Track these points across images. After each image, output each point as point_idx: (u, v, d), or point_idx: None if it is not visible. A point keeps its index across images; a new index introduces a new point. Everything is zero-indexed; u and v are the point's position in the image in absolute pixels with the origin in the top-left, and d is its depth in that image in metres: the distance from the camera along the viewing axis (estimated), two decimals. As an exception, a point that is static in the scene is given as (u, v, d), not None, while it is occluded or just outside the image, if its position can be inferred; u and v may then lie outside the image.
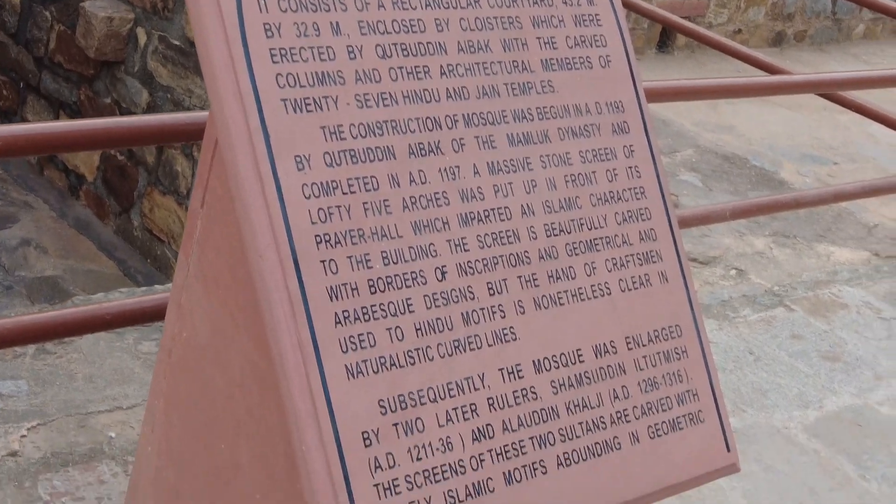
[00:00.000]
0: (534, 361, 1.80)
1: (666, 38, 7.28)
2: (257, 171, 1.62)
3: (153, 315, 2.50)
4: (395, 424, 1.64)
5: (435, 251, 1.74)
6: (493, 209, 1.81)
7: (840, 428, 3.15)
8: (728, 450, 1.98)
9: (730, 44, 4.76)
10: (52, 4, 6.69)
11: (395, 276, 1.69)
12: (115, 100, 6.40)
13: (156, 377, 1.98)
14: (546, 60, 1.92)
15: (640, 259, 1.96)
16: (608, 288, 1.91)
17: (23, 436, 2.44)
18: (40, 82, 6.89)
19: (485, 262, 1.78)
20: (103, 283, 5.77)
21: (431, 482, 1.66)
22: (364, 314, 1.66)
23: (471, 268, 1.77)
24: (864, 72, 3.90)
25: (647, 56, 7.15)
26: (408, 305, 1.69)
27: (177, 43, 6.02)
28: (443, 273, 1.74)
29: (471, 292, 1.76)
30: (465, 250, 1.77)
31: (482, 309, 1.77)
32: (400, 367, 1.67)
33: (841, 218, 4.45)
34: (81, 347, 2.77)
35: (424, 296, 1.71)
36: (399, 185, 1.72)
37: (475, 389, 1.73)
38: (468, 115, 1.81)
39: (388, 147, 1.72)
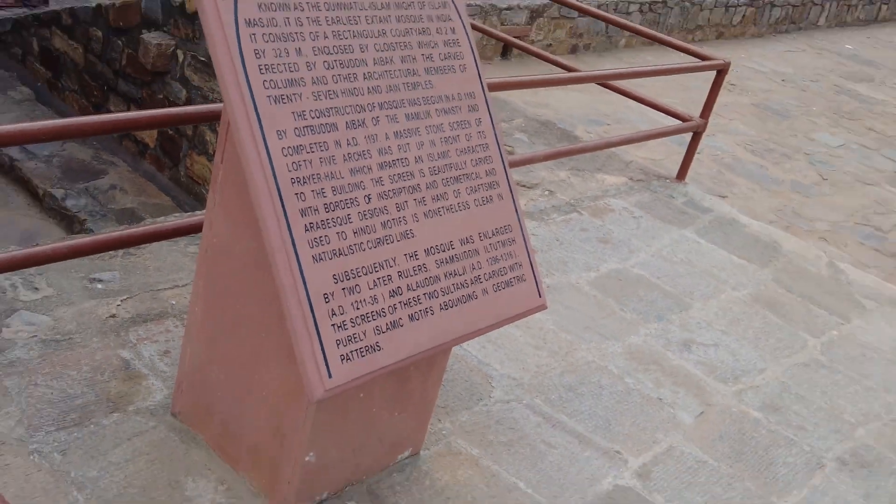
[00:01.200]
0: (425, 249, 1.82)
1: (506, 50, 7.23)
2: (254, 140, 1.62)
3: (195, 228, 2.49)
4: (343, 289, 1.67)
5: (363, 185, 1.75)
6: (398, 159, 1.82)
7: (609, 282, 3.24)
8: (540, 296, 2.05)
9: (544, 53, 4.77)
10: (123, 36, 6.46)
11: (340, 201, 1.71)
12: (165, 96, 6.23)
13: (198, 265, 1.98)
14: (427, 69, 1.92)
15: (486, 187, 1.99)
16: (468, 204, 1.93)
17: (118, 304, 2.43)
18: (117, 86, 6.66)
19: (394, 191, 1.80)
20: (164, 212, 5.66)
21: (366, 322, 1.70)
22: (322, 225, 1.67)
23: (385, 195, 1.79)
24: (624, 69, 3.94)
25: (495, 62, 7.11)
26: (348, 218, 1.71)
27: (202, 59, 5.85)
28: (368, 198, 1.75)
29: (386, 209, 1.78)
30: (381, 184, 1.78)
31: (393, 219, 1.78)
32: (345, 255, 1.69)
33: (611, 158, 4.51)
34: (152, 250, 2.75)
35: (358, 212, 1.73)
36: (340, 147, 1.73)
37: (390, 267, 1.76)
38: (381, 102, 1.82)
39: (333, 124, 1.73)
